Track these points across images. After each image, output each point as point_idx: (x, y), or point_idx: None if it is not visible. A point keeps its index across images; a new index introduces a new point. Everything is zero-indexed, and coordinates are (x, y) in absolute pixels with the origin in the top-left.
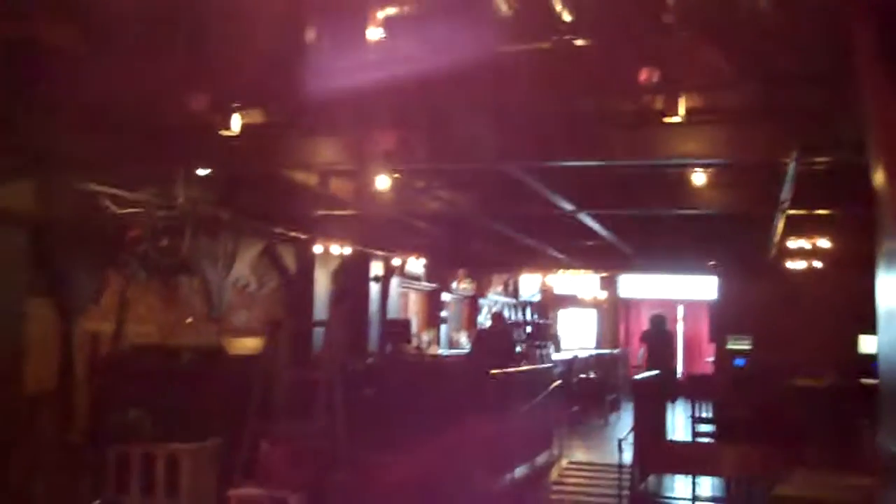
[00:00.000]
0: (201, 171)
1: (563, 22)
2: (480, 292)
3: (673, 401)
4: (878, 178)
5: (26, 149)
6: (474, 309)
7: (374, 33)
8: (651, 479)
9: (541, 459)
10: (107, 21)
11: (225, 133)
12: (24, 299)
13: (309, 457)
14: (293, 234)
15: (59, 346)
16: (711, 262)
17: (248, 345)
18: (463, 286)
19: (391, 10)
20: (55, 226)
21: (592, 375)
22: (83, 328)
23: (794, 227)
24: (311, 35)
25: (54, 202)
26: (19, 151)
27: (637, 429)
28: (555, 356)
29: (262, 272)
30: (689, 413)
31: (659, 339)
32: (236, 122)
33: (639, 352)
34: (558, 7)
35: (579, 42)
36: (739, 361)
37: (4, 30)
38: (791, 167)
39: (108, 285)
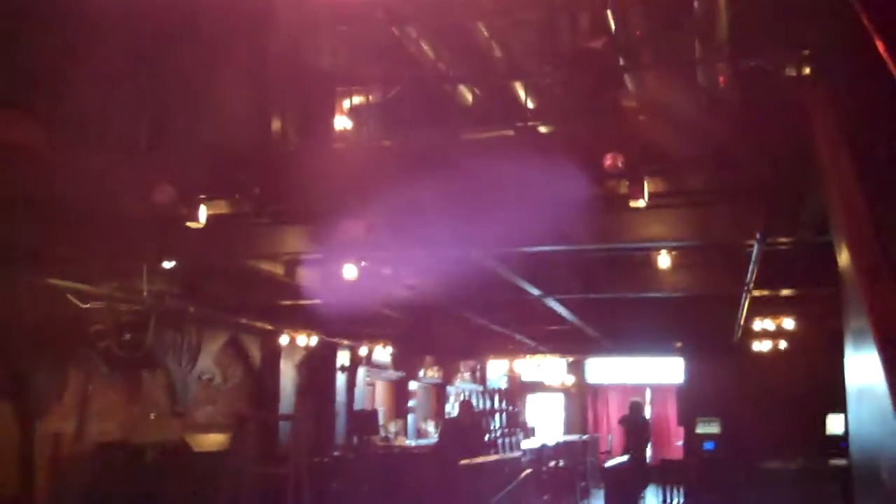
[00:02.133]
0: (166, 264)
1: (527, 109)
2: (448, 380)
3: (644, 487)
4: (843, 258)
5: None
6: (442, 397)
7: (340, 122)
8: None
9: None
10: (68, 116)
11: (191, 225)
12: None
13: None
14: (259, 324)
15: (19, 448)
16: (678, 345)
17: (213, 440)
18: (430, 374)
19: (356, 100)
20: (17, 323)
21: (562, 463)
22: (44, 428)
23: (759, 308)
24: (277, 125)
25: (16, 298)
26: None
27: None
28: (524, 444)
29: (227, 364)
30: (661, 499)
31: (636, 424)
32: (202, 214)
33: (608, 437)
34: (522, 95)
35: (543, 129)
36: (709, 445)
37: None
38: (755, 248)
39: (69, 382)
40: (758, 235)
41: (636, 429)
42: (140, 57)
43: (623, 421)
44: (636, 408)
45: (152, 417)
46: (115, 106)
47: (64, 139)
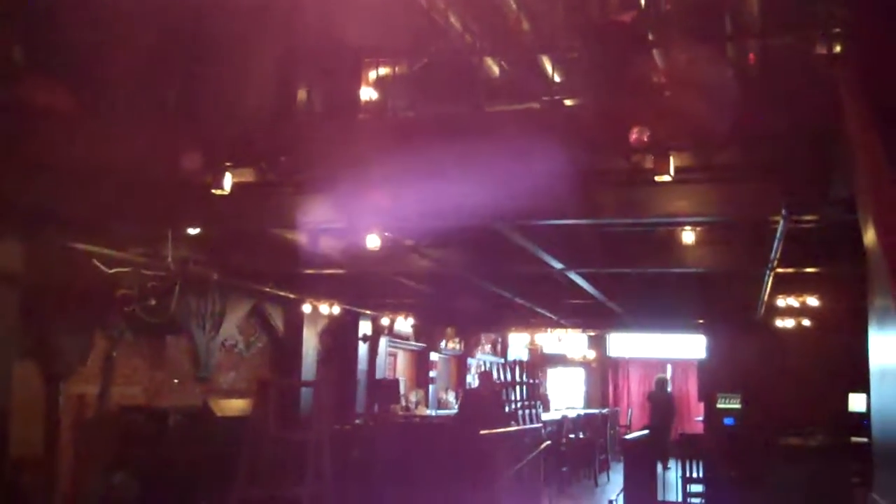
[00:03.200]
0: (191, 231)
1: (554, 82)
2: (469, 352)
3: (664, 460)
4: (869, 236)
5: (15, 209)
6: (462, 368)
7: (366, 93)
8: None
9: None
10: (97, 81)
11: (216, 192)
12: (11, 361)
13: None
14: (282, 293)
15: (44, 409)
16: (699, 321)
17: (236, 405)
18: (451, 345)
19: (383, 71)
20: (44, 286)
21: (582, 435)
22: (69, 390)
23: (783, 286)
24: (302, 94)
25: (43, 262)
26: (8, 212)
27: (627, 489)
28: (544, 416)
29: (251, 332)
30: (680, 473)
31: (662, 400)
32: (227, 182)
33: (628, 411)
34: (549, 68)
35: (569, 102)
36: (729, 420)
37: None
38: (780, 225)
39: (94, 346)
40: (783, 212)
41: (662, 404)
42: (169, 24)
43: (651, 397)
44: (662, 384)
45: (175, 382)
46: (143, 72)
47: (92, 105)
